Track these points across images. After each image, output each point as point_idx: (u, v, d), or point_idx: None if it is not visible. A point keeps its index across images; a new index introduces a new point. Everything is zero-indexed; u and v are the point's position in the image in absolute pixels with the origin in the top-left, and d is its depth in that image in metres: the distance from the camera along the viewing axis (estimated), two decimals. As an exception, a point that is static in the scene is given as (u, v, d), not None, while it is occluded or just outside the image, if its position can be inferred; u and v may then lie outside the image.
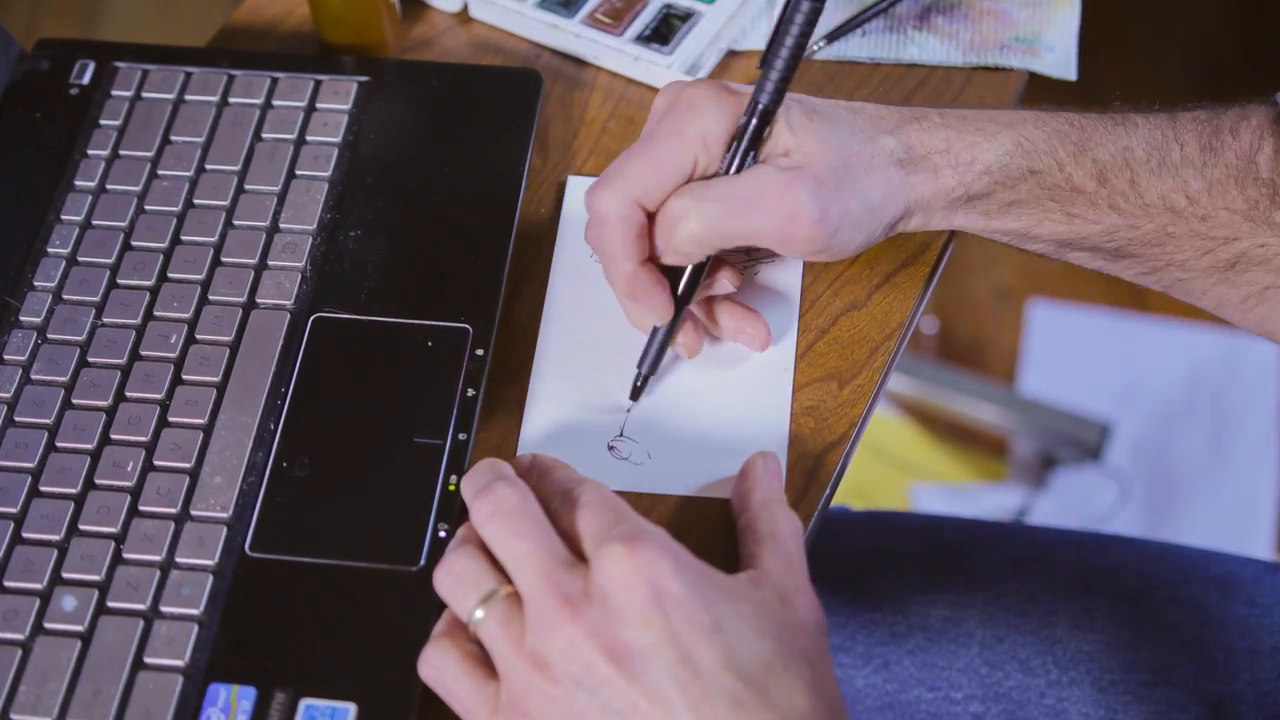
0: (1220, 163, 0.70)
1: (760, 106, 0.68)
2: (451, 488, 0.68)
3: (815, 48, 0.86)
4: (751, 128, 0.68)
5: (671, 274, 0.71)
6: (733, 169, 0.69)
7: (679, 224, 0.68)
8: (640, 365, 0.72)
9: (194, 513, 0.68)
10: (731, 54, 0.87)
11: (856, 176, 0.69)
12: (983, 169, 0.70)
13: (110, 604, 0.65)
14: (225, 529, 0.67)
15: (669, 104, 0.71)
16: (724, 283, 0.73)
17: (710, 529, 0.69)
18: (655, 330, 0.72)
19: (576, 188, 0.81)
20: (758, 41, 0.87)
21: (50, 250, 0.77)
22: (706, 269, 0.71)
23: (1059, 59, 0.87)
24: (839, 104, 0.71)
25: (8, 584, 0.66)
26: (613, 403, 0.73)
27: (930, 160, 0.70)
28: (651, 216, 0.70)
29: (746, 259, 0.77)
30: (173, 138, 0.81)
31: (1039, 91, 0.88)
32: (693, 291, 0.72)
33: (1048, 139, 0.70)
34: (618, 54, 0.85)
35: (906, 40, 0.87)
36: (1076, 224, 0.71)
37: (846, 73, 0.86)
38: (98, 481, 0.69)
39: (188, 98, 0.82)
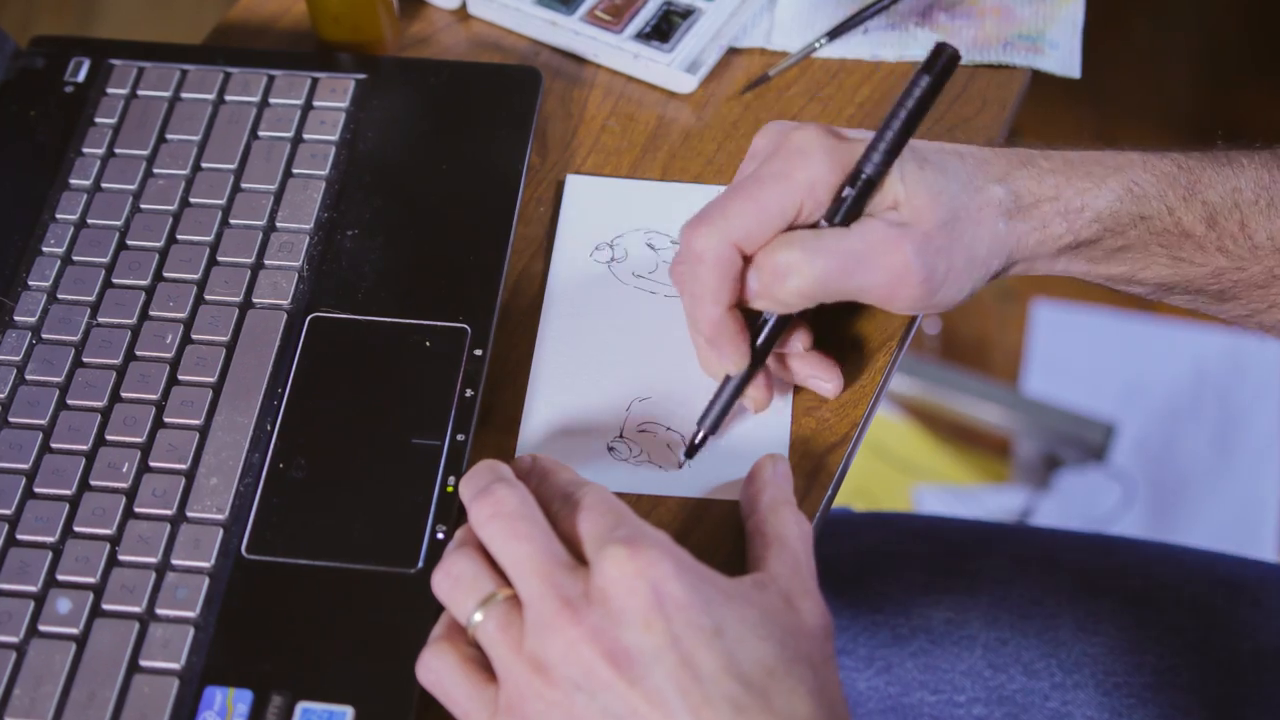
0: None
1: (865, 176, 0.67)
2: (450, 489, 0.68)
3: (817, 45, 0.86)
4: (853, 197, 0.67)
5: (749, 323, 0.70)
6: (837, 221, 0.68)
7: (788, 277, 0.67)
8: (701, 422, 0.70)
9: (190, 514, 0.68)
10: (732, 51, 0.87)
11: (964, 231, 0.68)
12: (1093, 216, 0.69)
13: (105, 606, 0.65)
14: (221, 531, 0.67)
15: (775, 146, 0.69)
16: (796, 344, 0.71)
17: (711, 531, 0.69)
18: (725, 384, 0.70)
19: (575, 186, 0.81)
20: (759, 39, 0.87)
21: (45, 249, 0.77)
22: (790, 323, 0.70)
23: (1063, 56, 0.87)
24: (947, 149, 0.70)
25: (2, 586, 0.66)
26: (612, 404, 0.73)
27: (1039, 209, 0.69)
28: (747, 260, 0.68)
29: None
30: (168, 136, 0.81)
31: (1042, 89, 0.88)
32: (772, 344, 0.70)
33: (1157, 183, 0.70)
34: (617, 51, 0.85)
35: (909, 38, 0.87)
36: (1182, 267, 0.71)
37: (848, 70, 0.86)
38: (93, 483, 0.69)
39: (184, 95, 0.82)
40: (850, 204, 0.67)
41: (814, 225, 0.68)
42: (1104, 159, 0.70)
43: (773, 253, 0.67)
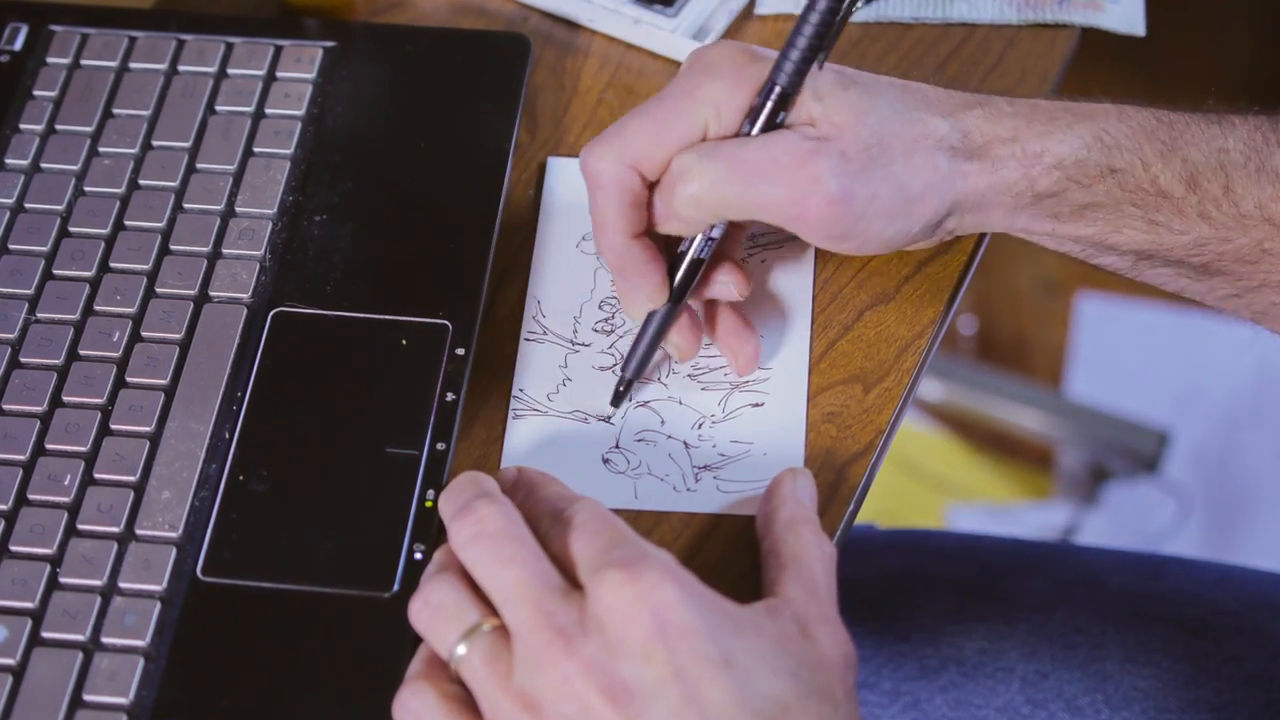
0: None
1: (777, 89, 0.68)
2: (429, 504, 0.68)
3: (856, 7, 0.86)
4: (766, 111, 0.68)
5: (672, 262, 0.71)
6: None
7: (679, 182, 0.68)
8: (624, 368, 0.72)
9: (139, 532, 0.68)
10: (745, 17, 0.87)
11: (893, 159, 0.68)
12: (1054, 162, 0.69)
13: (45, 634, 0.65)
14: (174, 550, 0.67)
15: (687, 66, 0.71)
16: (728, 286, 0.72)
17: (720, 549, 0.69)
18: (645, 324, 0.72)
19: (558, 170, 0.81)
20: (774, 4, 0.87)
21: (-23, 237, 0.77)
22: (709, 258, 0.71)
23: (1125, 13, 0.86)
24: (888, 79, 0.71)
25: (-70, 612, 0.66)
26: (608, 409, 0.73)
27: (991, 150, 0.70)
28: (652, 187, 0.70)
29: (751, 245, 0.77)
30: (115, 110, 0.81)
31: (1087, 57, 0.88)
32: (692, 280, 0.71)
33: (1132, 134, 0.70)
34: (615, 16, 0.85)
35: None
36: (1160, 233, 0.70)
37: (873, 36, 0.86)
38: (31, 497, 0.69)
39: (132, 65, 0.82)
40: (764, 119, 0.68)
41: None
42: (1075, 106, 0.71)
43: (671, 161, 0.69)
